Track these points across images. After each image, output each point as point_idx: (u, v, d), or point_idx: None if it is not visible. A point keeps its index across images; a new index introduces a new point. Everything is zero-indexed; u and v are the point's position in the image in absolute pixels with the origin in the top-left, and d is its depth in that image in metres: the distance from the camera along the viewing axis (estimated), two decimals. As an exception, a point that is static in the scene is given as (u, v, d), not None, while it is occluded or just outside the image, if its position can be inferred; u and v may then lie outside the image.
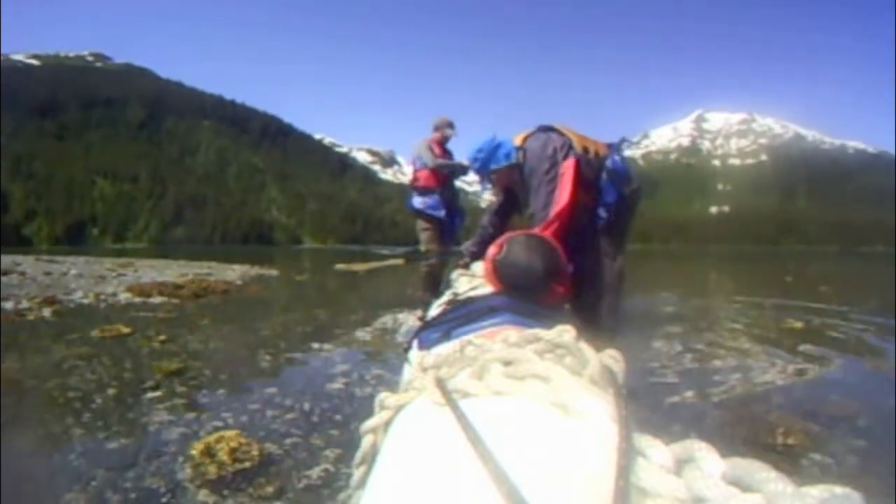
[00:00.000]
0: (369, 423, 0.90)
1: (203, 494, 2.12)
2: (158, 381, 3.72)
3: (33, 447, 2.60)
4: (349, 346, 5.04)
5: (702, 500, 0.53)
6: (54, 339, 5.19)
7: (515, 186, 3.59)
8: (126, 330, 5.48)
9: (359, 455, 0.91)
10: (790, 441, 2.66)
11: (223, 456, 2.27)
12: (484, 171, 3.55)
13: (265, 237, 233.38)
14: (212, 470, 2.22)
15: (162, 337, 5.22)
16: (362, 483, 0.88)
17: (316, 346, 5.07)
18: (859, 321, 6.58)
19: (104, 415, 3.06)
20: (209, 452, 2.30)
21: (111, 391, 3.48)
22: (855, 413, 3.15)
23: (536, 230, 2.81)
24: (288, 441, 2.68)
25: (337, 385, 3.74)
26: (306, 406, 3.25)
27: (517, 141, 3.48)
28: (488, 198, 4.14)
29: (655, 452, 0.59)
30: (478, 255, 3.56)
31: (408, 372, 1.50)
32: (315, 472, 2.31)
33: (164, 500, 2.08)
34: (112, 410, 3.14)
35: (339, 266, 6.87)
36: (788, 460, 2.48)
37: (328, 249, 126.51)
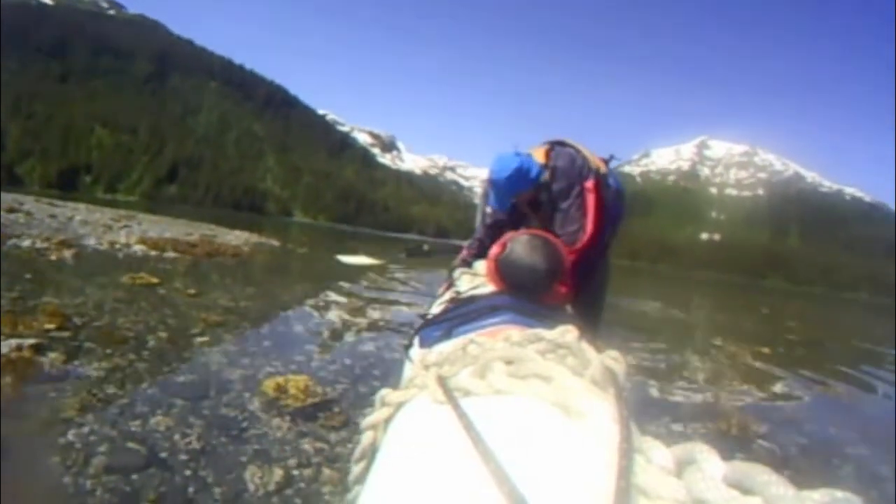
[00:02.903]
0: (369, 420, 0.91)
1: (278, 422, 2.45)
2: (204, 329, 4.06)
3: (105, 375, 2.87)
4: (371, 317, 5.43)
5: (702, 502, 0.53)
6: (85, 280, 5.43)
7: (541, 206, 3.37)
8: (154, 280, 5.74)
9: (358, 451, 0.91)
10: (737, 431, 3.11)
11: (296, 392, 2.60)
12: (511, 194, 3.26)
13: (257, 206, 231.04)
14: (288, 403, 2.55)
15: (192, 291, 5.52)
16: (361, 479, 0.88)
17: (340, 314, 5.44)
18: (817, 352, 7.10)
19: (162, 354, 3.37)
20: (282, 389, 2.62)
21: (162, 334, 3.79)
22: (802, 419, 3.63)
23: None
24: (339, 387, 3.11)
25: (368, 347, 4.20)
26: (347, 361, 3.69)
27: (540, 157, 3.27)
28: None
29: (656, 454, 0.60)
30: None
31: (409, 369, 1.46)
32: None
33: (245, 425, 2.40)
34: (169, 351, 3.45)
35: (343, 257, 7.05)
36: (739, 444, 2.94)
37: (319, 226, 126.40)
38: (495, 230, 3.59)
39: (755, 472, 0.53)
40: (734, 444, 3.01)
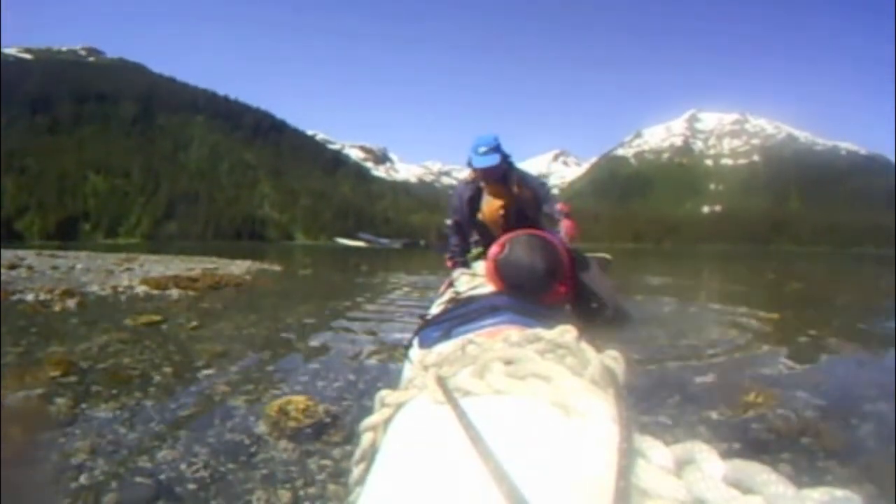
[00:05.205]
0: (369, 421, 0.91)
1: (283, 443, 2.50)
2: (208, 361, 4.10)
3: (113, 416, 2.90)
4: (372, 332, 5.43)
5: (702, 501, 0.53)
6: (90, 327, 5.47)
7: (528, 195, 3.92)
8: (157, 318, 5.79)
9: (358, 452, 0.91)
10: (752, 401, 3.15)
11: (296, 413, 2.65)
12: (498, 155, 3.77)
13: (257, 233, 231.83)
14: (289, 424, 2.60)
15: (194, 324, 5.58)
16: (361, 480, 0.89)
17: (342, 332, 5.47)
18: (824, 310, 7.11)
19: (168, 389, 3.42)
20: (283, 411, 2.67)
21: (167, 370, 3.84)
22: (817, 382, 3.65)
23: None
24: (343, 403, 3.15)
25: (372, 361, 4.23)
26: (351, 377, 3.73)
27: None
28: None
29: (656, 453, 0.60)
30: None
31: (408, 370, 1.48)
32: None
33: (251, 449, 2.45)
34: (174, 385, 3.50)
35: (340, 239, 7.11)
36: (755, 415, 3.01)
37: (322, 246, 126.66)
38: (463, 234, 4.16)
39: (755, 470, 0.53)
40: (750, 414, 3.01)
